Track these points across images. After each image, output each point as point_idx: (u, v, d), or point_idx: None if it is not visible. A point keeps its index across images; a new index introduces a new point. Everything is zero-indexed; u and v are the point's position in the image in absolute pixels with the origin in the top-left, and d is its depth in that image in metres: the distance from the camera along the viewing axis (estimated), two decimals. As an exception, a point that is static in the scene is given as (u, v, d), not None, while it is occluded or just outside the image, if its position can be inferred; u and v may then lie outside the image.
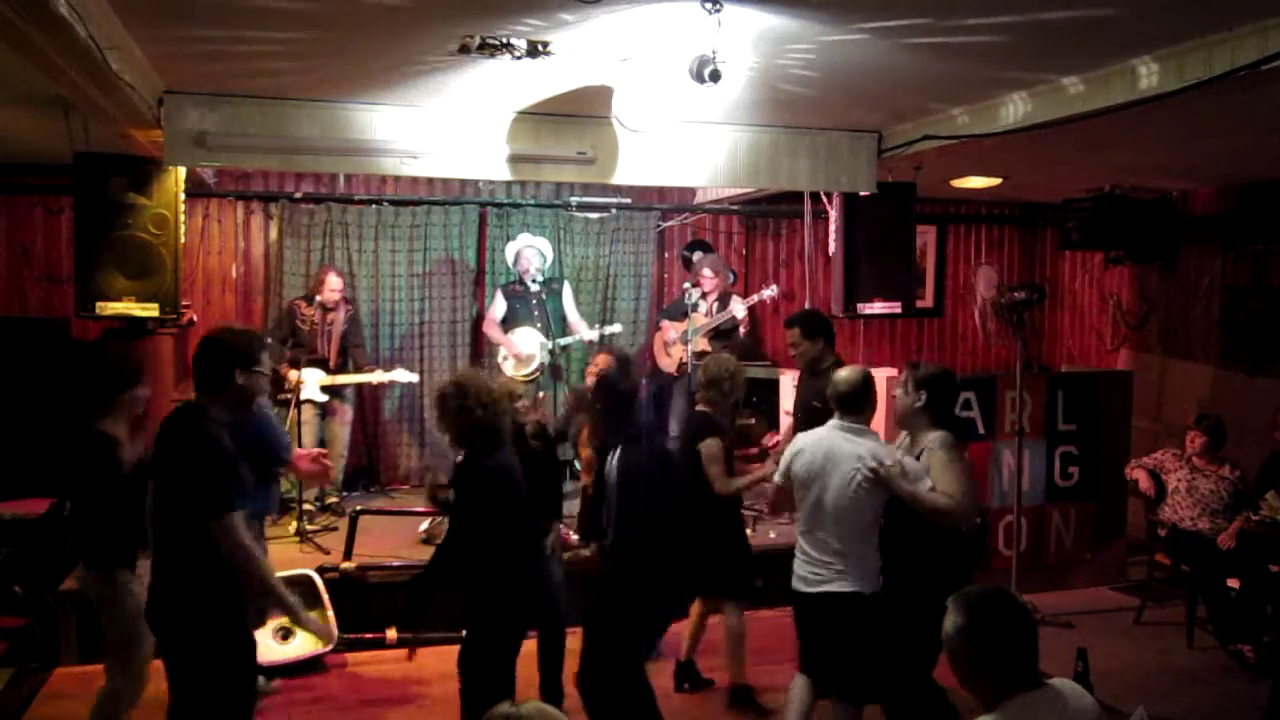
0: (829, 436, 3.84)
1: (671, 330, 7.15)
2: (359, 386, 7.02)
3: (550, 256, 7.30)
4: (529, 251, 7.02)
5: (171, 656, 3.24)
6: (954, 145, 5.04)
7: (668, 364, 7.19)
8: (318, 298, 6.71)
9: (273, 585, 3.24)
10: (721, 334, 7.03)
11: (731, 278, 8.24)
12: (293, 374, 6.34)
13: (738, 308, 6.97)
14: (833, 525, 3.74)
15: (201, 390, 3.23)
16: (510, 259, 7.16)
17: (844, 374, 3.92)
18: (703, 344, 6.91)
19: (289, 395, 6.33)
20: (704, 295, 7.12)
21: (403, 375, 6.82)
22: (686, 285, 7.26)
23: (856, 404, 3.84)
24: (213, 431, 3.13)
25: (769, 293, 7.00)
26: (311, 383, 6.52)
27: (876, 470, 3.64)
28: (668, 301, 7.84)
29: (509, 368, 6.94)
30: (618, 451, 3.89)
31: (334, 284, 6.74)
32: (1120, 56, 3.88)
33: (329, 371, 6.66)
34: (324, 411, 6.72)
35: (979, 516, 6.06)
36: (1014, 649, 2.20)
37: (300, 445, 6.34)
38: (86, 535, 3.98)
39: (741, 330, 7.09)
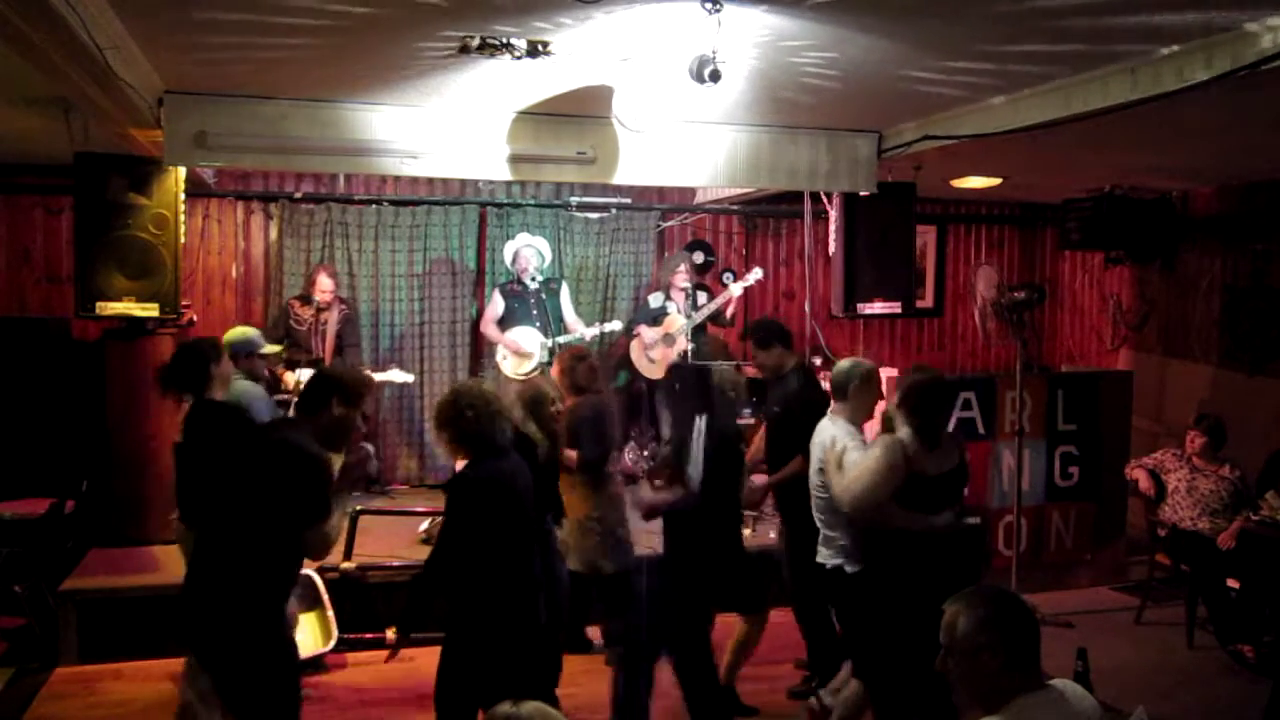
0: (823, 423, 4.22)
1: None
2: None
3: (549, 256, 7.30)
4: (527, 251, 7.03)
5: (211, 663, 3.26)
6: (954, 145, 5.04)
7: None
8: (313, 299, 6.72)
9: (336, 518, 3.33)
10: (699, 329, 7.11)
11: (731, 277, 8.25)
12: (289, 376, 6.33)
13: (735, 287, 7.11)
14: (813, 500, 4.20)
15: (301, 411, 3.46)
16: (508, 258, 7.16)
17: (838, 364, 4.29)
18: (683, 342, 6.98)
19: (286, 397, 6.32)
20: (670, 297, 7.16)
21: (398, 375, 6.79)
22: (685, 286, 7.25)
23: (839, 391, 4.20)
24: (309, 444, 3.23)
25: (752, 278, 7.11)
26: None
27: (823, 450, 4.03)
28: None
29: (508, 366, 6.95)
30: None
31: (325, 284, 6.72)
32: (1120, 57, 3.88)
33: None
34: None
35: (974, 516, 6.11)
36: (1023, 648, 2.20)
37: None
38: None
39: (729, 311, 7.27)
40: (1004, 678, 2.18)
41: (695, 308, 7.10)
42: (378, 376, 6.74)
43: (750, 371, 7.09)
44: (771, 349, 4.89)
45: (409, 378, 6.96)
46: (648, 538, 5.66)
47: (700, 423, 4.20)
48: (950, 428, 4.15)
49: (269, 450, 3.27)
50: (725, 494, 4.29)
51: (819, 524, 4.20)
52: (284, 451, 3.21)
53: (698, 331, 7.11)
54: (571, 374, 5.02)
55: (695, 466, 4.15)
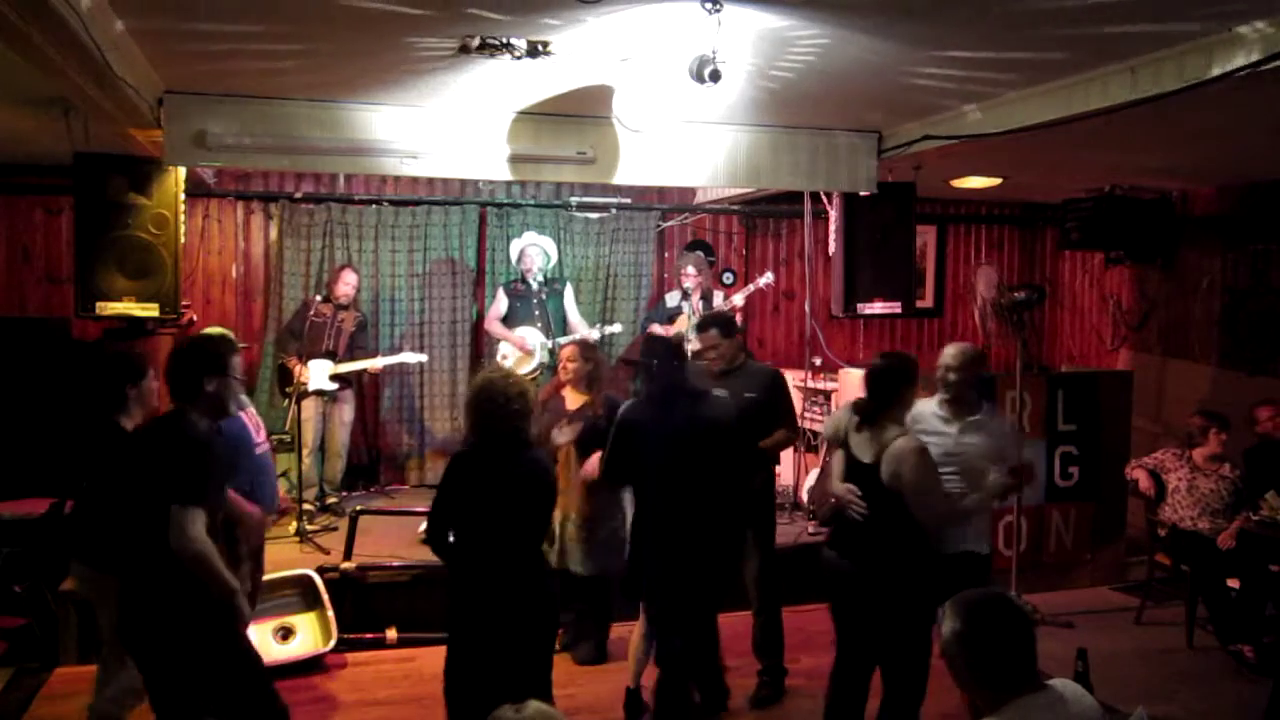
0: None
1: (661, 332, 7.15)
2: (360, 386, 7.04)
3: (554, 256, 7.29)
4: (533, 250, 7.03)
5: (156, 677, 3.16)
6: (954, 145, 5.04)
7: None
8: (333, 297, 6.78)
9: (229, 589, 3.09)
10: None
11: (731, 277, 8.27)
12: (303, 370, 6.37)
13: (736, 298, 7.06)
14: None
15: (176, 399, 3.24)
16: (514, 256, 7.17)
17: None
18: (694, 342, 6.96)
19: (295, 389, 6.34)
20: (686, 296, 7.16)
21: (411, 357, 6.93)
22: (688, 286, 7.25)
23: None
24: (195, 428, 3.12)
25: (763, 281, 7.06)
26: (320, 373, 6.52)
27: None
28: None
29: (509, 366, 6.95)
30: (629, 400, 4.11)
31: (350, 279, 6.82)
32: (1121, 57, 3.88)
33: (336, 362, 6.67)
34: (326, 410, 6.73)
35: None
36: (1011, 653, 2.20)
37: (302, 442, 6.38)
38: (87, 531, 3.93)
39: (738, 319, 7.18)
40: (985, 685, 2.19)
41: (710, 308, 7.10)
42: (390, 360, 6.83)
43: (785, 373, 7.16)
44: (733, 339, 4.91)
45: (422, 358, 7.08)
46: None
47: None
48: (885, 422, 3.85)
49: (154, 433, 3.22)
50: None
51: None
52: (165, 431, 3.14)
53: None
54: (597, 367, 5.05)
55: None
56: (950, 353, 4.24)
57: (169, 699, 3.14)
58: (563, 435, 4.74)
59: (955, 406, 4.21)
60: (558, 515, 4.94)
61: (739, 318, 7.25)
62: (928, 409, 4.28)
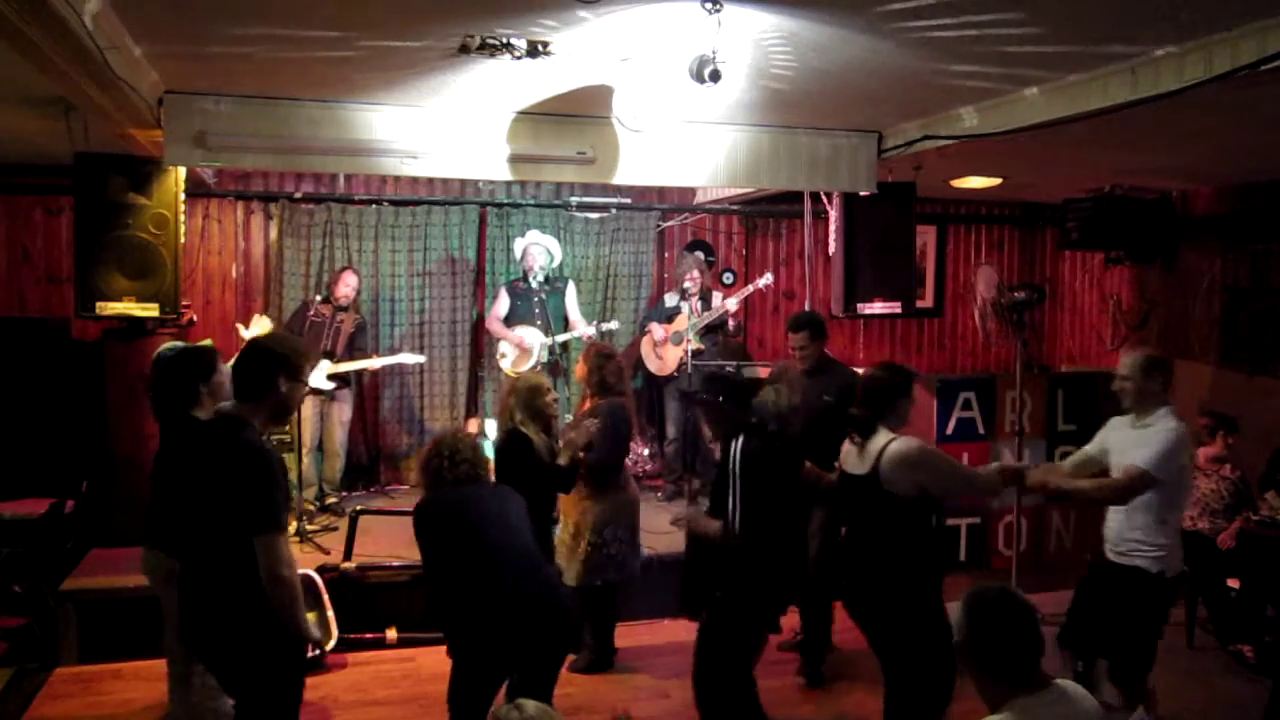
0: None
1: (660, 331, 7.17)
2: (360, 386, 7.03)
3: (557, 256, 7.29)
4: (535, 249, 7.04)
5: (220, 674, 3.22)
6: (954, 145, 5.04)
7: (658, 365, 7.23)
8: (333, 298, 6.78)
9: (300, 624, 3.08)
10: (711, 329, 7.11)
11: (731, 277, 8.27)
12: None
13: (730, 302, 7.09)
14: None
15: (242, 397, 3.14)
16: (517, 254, 7.17)
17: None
18: (691, 342, 7.00)
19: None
20: (685, 296, 7.17)
21: (409, 358, 6.94)
22: (688, 286, 7.25)
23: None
24: (262, 443, 3.06)
25: (763, 282, 7.08)
26: (318, 372, 6.52)
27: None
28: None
29: (507, 364, 6.96)
30: (739, 440, 4.04)
31: (350, 281, 6.83)
32: (1121, 57, 3.88)
33: (334, 363, 6.67)
34: (324, 409, 6.73)
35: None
36: (1014, 649, 2.20)
37: (301, 441, 6.38)
38: (168, 521, 3.80)
39: (731, 323, 7.28)
40: (987, 679, 2.20)
41: (708, 308, 7.12)
42: (388, 360, 6.82)
43: (764, 373, 7.17)
44: (820, 341, 5.04)
45: (420, 359, 7.11)
46: (654, 538, 5.69)
47: None
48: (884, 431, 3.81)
49: (226, 451, 3.06)
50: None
51: (1131, 523, 4.15)
52: (240, 452, 3.02)
53: (710, 332, 7.13)
54: (600, 372, 4.98)
55: None
56: (1123, 361, 4.23)
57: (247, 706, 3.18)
58: (580, 437, 4.56)
59: (1135, 412, 4.18)
60: (570, 528, 4.92)
61: (732, 322, 7.27)
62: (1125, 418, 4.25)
